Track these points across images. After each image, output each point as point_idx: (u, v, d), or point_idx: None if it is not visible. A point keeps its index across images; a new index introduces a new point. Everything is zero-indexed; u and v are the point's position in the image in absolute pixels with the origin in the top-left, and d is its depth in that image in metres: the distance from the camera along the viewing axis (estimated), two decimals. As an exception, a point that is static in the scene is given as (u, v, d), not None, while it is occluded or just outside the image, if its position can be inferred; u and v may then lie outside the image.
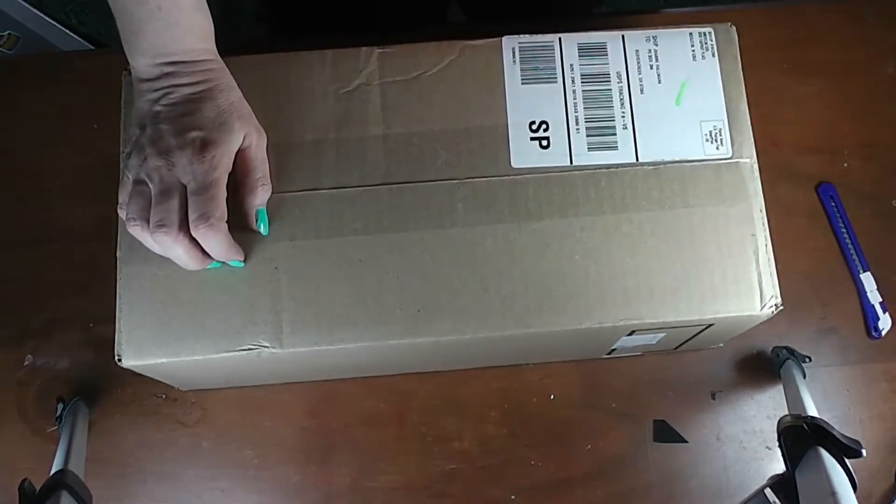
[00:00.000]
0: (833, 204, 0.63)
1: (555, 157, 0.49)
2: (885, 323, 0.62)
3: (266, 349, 0.46)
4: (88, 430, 0.58)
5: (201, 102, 0.44)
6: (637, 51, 0.50)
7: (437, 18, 0.85)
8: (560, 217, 0.48)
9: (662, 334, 0.51)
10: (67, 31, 1.12)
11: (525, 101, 0.49)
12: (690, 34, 0.51)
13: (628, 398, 0.60)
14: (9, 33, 1.09)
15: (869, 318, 0.62)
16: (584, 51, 0.50)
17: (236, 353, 0.46)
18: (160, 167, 0.42)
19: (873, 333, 0.62)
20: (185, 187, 0.42)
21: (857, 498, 0.44)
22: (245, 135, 0.45)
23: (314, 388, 0.60)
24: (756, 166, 0.49)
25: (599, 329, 0.47)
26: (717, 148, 0.49)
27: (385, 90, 0.49)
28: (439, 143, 0.49)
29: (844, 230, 0.63)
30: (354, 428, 0.60)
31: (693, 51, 0.50)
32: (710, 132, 0.49)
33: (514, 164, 0.49)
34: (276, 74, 0.50)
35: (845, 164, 0.65)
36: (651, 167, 0.49)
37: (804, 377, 0.57)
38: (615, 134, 0.49)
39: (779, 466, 0.57)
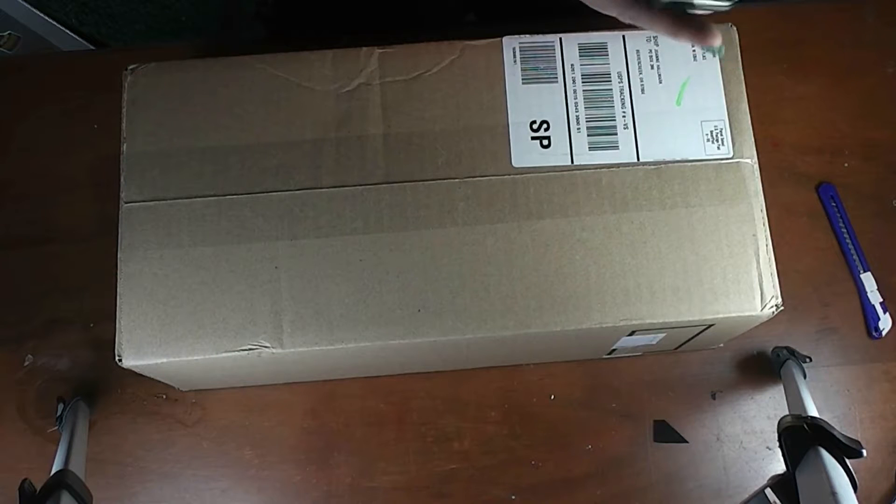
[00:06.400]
0: (833, 204, 0.63)
1: (556, 156, 0.49)
2: (885, 323, 0.62)
3: (266, 349, 0.46)
4: (89, 429, 0.58)
5: None
6: (638, 51, 0.50)
7: (454, 20, 0.84)
8: (561, 217, 0.48)
9: (663, 334, 0.51)
10: (67, 31, 1.12)
11: (526, 101, 0.49)
12: (691, 34, 0.51)
13: (628, 398, 0.60)
14: (9, 33, 1.09)
15: (869, 318, 0.62)
16: (585, 51, 0.50)
17: (236, 353, 0.46)
18: None
19: (874, 333, 0.62)
20: None
21: (858, 498, 0.44)
22: None
23: (314, 388, 0.60)
24: (756, 166, 0.49)
25: (600, 329, 0.47)
26: (718, 148, 0.49)
27: (385, 90, 0.49)
28: (440, 143, 0.49)
29: (845, 230, 0.63)
30: (354, 428, 0.60)
31: (694, 51, 0.50)
32: (711, 132, 0.49)
33: (514, 164, 0.48)
34: (276, 74, 0.50)
35: (845, 164, 0.65)
36: (652, 167, 0.49)
37: (804, 377, 0.57)
38: (616, 134, 0.49)
39: (779, 466, 0.57)
